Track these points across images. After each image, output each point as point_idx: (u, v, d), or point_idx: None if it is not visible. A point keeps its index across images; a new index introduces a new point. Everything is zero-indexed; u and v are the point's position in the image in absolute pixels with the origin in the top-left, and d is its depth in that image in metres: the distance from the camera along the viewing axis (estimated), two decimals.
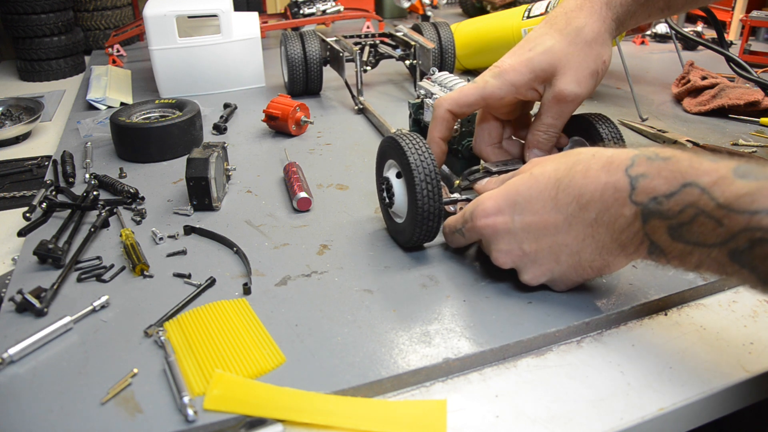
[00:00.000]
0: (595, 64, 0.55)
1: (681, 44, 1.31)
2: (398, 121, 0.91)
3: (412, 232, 0.54)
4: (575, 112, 0.59)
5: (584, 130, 0.59)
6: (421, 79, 0.75)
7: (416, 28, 1.09)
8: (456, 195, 0.59)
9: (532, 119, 0.59)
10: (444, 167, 0.67)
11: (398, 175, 0.56)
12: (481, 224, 0.49)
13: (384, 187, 0.58)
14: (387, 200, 0.57)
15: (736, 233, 0.37)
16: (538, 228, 0.46)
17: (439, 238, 0.59)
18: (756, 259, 0.37)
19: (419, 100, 0.71)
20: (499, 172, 0.58)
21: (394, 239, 0.60)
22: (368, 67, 1.07)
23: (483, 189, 0.55)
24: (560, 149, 0.61)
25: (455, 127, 0.63)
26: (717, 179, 0.38)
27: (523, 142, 0.62)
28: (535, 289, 0.51)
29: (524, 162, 0.59)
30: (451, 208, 0.60)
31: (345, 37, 1.09)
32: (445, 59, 1.08)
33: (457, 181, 0.63)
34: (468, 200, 0.58)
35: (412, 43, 1.03)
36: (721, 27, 0.91)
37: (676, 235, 0.40)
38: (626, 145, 0.56)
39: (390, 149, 0.56)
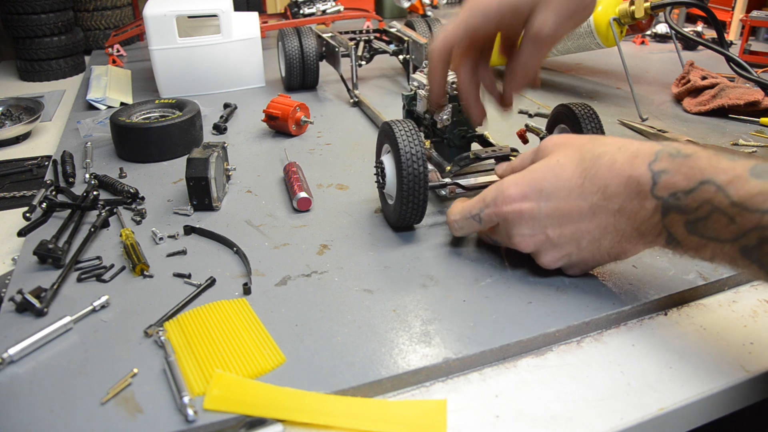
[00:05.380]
0: (575, 4, 0.54)
1: (681, 44, 1.31)
2: (392, 113, 0.92)
3: (400, 209, 0.57)
4: (564, 102, 0.63)
5: (569, 119, 0.63)
6: (414, 73, 0.76)
7: (409, 25, 1.12)
8: (446, 180, 0.62)
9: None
10: (435, 154, 0.70)
11: (386, 150, 0.60)
12: (506, 210, 0.50)
13: (378, 169, 0.61)
14: (380, 182, 0.61)
15: (747, 230, 0.38)
16: (563, 214, 0.48)
17: (427, 221, 0.62)
18: (765, 257, 0.38)
19: (412, 92, 0.73)
20: (488, 158, 0.62)
21: (388, 221, 0.62)
22: (363, 62, 1.09)
23: (503, 173, 0.56)
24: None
25: (446, 117, 0.67)
26: (733, 178, 0.39)
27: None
28: (535, 289, 0.51)
29: (505, 161, 0.62)
30: (442, 192, 0.63)
31: (341, 33, 1.10)
32: None
33: (448, 167, 0.65)
34: (457, 185, 0.62)
35: (405, 38, 1.05)
36: (721, 27, 0.91)
37: (692, 229, 0.41)
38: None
39: (384, 133, 0.60)
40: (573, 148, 0.49)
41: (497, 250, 0.58)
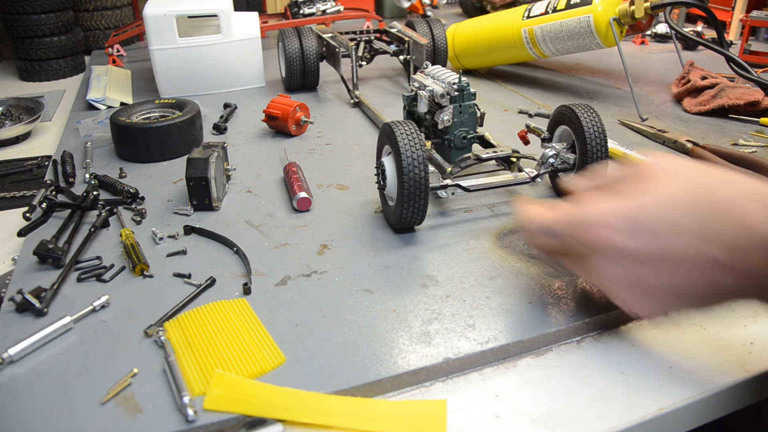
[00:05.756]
0: None
1: (681, 44, 1.31)
2: (392, 114, 0.92)
3: (401, 211, 0.57)
4: (564, 102, 0.63)
5: (571, 121, 0.64)
6: (414, 74, 0.76)
7: (410, 25, 1.12)
8: (447, 181, 0.62)
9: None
10: (436, 155, 0.69)
11: (387, 152, 0.60)
12: (594, 238, 0.41)
13: (379, 171, 0.61)
14: (381, 183, 0.61)
15: None
16: (661, 257, 0.39)
17: (428, 222, 0.62)
18: None
19: (413, 93, 0.73)
20: (489, 159, 0.63)
21: (388, 223, 0.62)
22: (363, 63, 1.10)
23: (575, 188, 0.47)
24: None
25: (447, 118, 0.66)
26: None
27: None
28: (535, 289, 0.51)
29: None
30: (442, 193, 0.62)
31: (341, 33, 1.10)
32: (437, 55, 1.09)
33: (449, 169, 0.65)
34: (458, 186, 0.62)
35: (406, 39, 1.05)
36: (721, 27, 0.91)
37: None
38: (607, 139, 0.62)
39: (385, 135, 0.60)
40: (683, 179, 0.40)
41: (498, 250, 0.58)
